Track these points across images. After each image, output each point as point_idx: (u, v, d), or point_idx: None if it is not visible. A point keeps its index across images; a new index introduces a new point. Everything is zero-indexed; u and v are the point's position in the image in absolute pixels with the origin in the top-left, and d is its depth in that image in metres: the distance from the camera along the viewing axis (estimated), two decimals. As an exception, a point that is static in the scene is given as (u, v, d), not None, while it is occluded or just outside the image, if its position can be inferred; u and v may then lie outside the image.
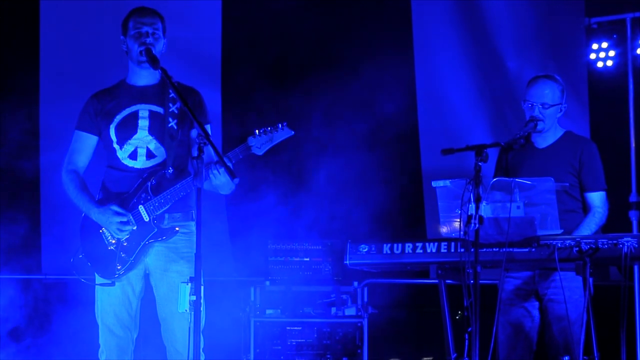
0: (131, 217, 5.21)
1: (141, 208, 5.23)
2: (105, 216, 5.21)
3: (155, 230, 5.22)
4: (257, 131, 5.12)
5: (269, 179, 7.85)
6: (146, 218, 5.22)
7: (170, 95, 5.22)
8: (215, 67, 7.98)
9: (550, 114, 5.87)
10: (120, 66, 5.54)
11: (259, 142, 5.11)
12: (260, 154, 5.16)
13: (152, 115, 5.31)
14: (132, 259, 5.23)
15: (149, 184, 5.24)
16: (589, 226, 5.74)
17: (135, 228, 5.22)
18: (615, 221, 5.98)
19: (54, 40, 7.94)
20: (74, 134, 5.42)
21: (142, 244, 5.23)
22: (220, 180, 5.07)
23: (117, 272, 5.24)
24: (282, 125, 5.14)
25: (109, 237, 5.26)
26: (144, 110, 5.32)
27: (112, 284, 5.25)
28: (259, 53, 7.85)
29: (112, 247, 5.26)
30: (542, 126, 5.84)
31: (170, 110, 5.28)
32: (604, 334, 5.38)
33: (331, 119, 7.96)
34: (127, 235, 5.23)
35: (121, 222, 5.20)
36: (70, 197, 5.34)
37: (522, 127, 5.80)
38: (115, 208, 5.20)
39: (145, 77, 5.36)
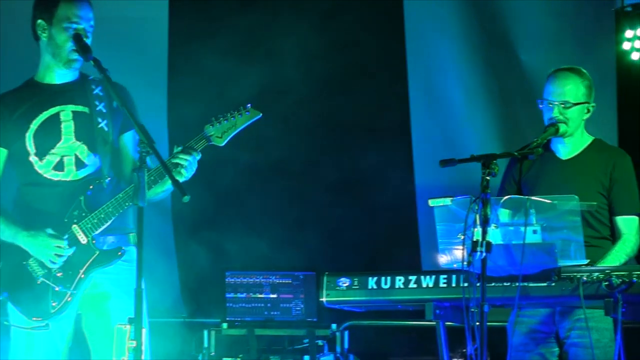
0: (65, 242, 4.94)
1: (75, 228, 4.86)
2: (38, 240, 4.84)
3: (97, 253, 4.88)
4: (213, 118, 4.94)
5: (228, 198, 7.66)
6: (83, 240, 4.86)
7: (95, 92, 5.00)
8: (162, 57, 7.74)
9: (574, 115, 5.51)
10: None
11: (219, 130, 4.94)
12: (222, 144, 4.96)
13: (77, 116, 5.01)
14: (71, 291, 4.87)
15: (83, 198, 4.90)
16: (617, 256, 5.40)
17: (71, 254, 4.87)
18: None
19: None
20: None
21: (80, 272, 4.89)
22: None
23: (52, 310, 4.87)
24: (245, 108, 4.98)
25: (37, 269, 4.87)
26: (66, 112, 5.02)
27: (47, 326, 4.88)
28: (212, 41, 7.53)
29: (41, 280, 4.88)
30: (564, 129, 5.49)
31: (97, 109, 5.01)
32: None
33: (314, 126, 7.86)
34: (61, 263, 4.88)
35: (58, 247, 4.85)
36: None
37: (540, 133, 5.47)
38: (50, 230, 4.84)
39: (63, 73, 5.08)
